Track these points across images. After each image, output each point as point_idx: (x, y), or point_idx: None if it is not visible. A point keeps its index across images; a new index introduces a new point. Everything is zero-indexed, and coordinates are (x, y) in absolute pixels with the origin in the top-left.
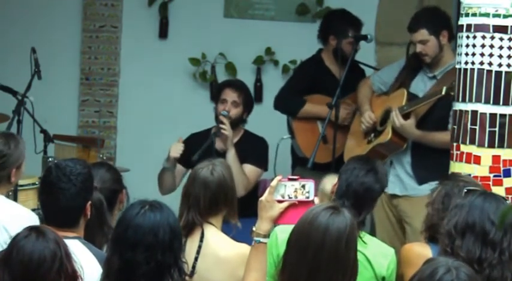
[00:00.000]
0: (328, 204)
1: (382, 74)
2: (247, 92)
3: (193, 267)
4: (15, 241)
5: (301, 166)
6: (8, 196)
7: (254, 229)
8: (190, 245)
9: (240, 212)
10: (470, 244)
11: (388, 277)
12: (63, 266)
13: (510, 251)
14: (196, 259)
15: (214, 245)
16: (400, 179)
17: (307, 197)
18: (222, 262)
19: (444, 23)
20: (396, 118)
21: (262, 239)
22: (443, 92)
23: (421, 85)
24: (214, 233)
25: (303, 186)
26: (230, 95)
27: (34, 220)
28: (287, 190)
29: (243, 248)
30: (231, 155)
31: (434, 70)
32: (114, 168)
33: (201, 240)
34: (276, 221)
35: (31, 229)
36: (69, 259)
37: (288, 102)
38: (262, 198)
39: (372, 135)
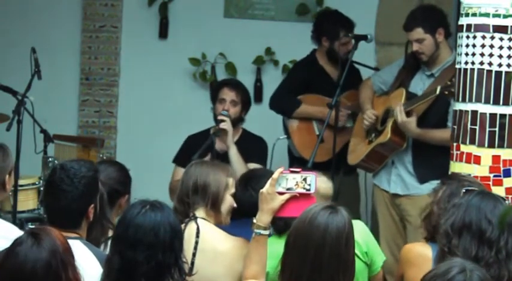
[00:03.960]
0: (325, 204)
1: (383, 73)
2: (244, 90)
3: (192, 263)
4: (12, 246)
5: (298, 165)
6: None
7: (254, 221)
8: (187, 241)
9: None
10: (467, 243)
11: (368, 249)
12: (58, 277)
13: (507, 250)
14: (194, 255)
15: (210, 240)
16: (401, 179)
17: (308, 190)
18: (220, 256)
19: (440, 20)
20: (399, 114)
21: (262, 231)
22: (437, 92)
23: (420, 84)
24: (208, 228)
25: (305, 179)
26: (228, 94)
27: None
28: (288, 182)
29: (240, 241)
30: (233, 152)
31: (432, 68)
32: (125, 171)
33: (197, 236)
34: (276, 214)
35: (30, 234)
36: (65, 267)
37: (283, 103)
38: (264, 190)
39: (373, 135)
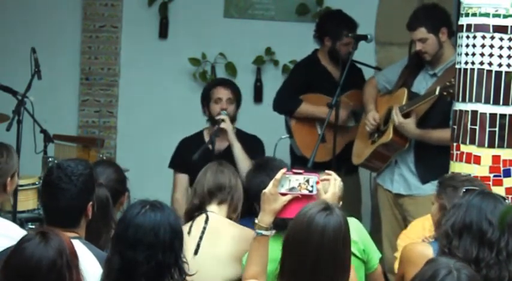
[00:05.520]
0: (320, 204)
1: (387, 72)
2: (237, 88)
3: (198, 245)
4: (20, 242)
5: (300, 165)
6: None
7: (256, 221)
8: (196, 228)
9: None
10: (468, 244)
11: (365, 246)
12: (62, 276)
13: (508, 251)
14: (201, 238)
15: (218, 225)
16: (404, 178)
17: (311, 191)
18: (224, 239)
19: (443, 20)
20: (396, 116)
21: (264, 232)
22: (436, 92)
23: (423, 83)
24: (217, 217)
25: (307, 180)
26: (224, 93)
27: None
28: (291, 183)
29: (246, 230)
30: (238, 148)
31: (435, 67)
32: (121, 170)
33: (206, 223)
34: (278, 214)
35: (38, 233)
36: (70, 269)
37: (285, 103)
38: (266, 190)
39: (376, 135)
